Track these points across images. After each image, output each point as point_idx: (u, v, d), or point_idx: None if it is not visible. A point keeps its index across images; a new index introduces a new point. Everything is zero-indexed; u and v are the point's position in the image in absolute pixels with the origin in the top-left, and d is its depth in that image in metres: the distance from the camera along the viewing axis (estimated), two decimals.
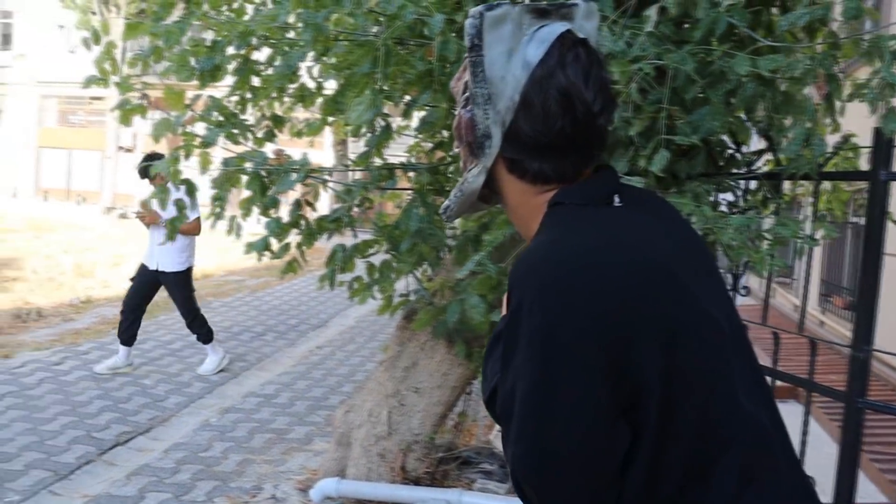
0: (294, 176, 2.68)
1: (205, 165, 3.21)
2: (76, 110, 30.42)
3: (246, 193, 3.18)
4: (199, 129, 3.44)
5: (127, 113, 3.23)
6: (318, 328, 8.35)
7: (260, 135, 3.50)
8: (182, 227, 5.55)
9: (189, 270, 6.17)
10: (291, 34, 2.88)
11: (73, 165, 29.96)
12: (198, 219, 5.87)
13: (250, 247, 3.11)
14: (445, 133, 3.13)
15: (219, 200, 3.03)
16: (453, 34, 2.05)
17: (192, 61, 3.02)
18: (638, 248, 1.03)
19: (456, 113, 1.15)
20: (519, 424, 0.99)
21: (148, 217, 5.92)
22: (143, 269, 6.08)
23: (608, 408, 0.96)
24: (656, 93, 2.30)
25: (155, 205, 5.52)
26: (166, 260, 5.93)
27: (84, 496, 3.82)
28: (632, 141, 2.37)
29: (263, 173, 2.82)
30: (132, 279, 6.21)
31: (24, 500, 3.70)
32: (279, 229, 3.00)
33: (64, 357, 6.13)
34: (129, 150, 28.34)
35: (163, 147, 6.83)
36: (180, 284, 6.10)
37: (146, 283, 6.08)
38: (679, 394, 0.99)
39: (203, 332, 6.18)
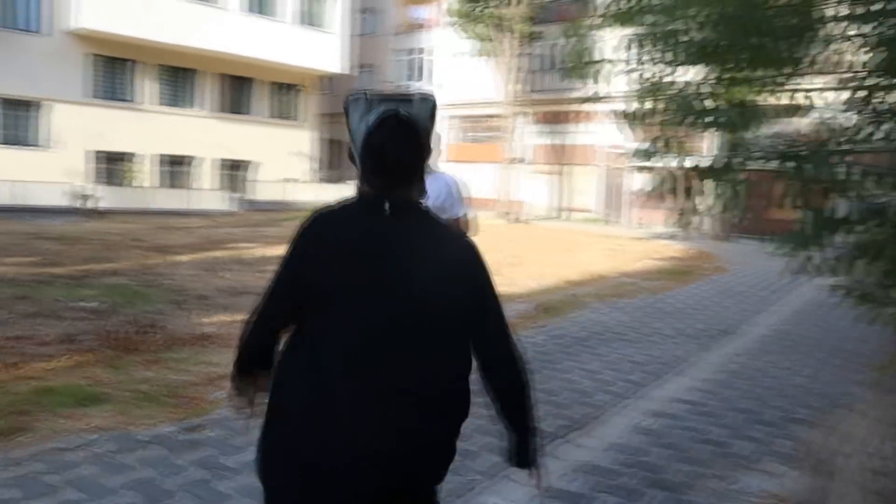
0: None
1: (680, 151, 2.84)
2: (477, 128, 33.01)
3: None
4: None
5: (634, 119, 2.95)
6: (728, 334, 7.61)
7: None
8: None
9: None
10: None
11: (474, 176, 32.59)
12: (467, 216, 4.54)
13: (789, 242, 2.43)
14: None
15: (732, 192, 2.60)
16: None
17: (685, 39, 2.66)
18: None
19: None
20: None
21: None
22: None
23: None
24: None
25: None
26: None
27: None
28: None
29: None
30: None
31: (485, 480, 3.71)
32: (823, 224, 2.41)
33: None
34: (520, 161, 29.88)
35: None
36: None
37: None
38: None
39: None
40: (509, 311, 6.46)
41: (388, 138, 1.73)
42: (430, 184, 4.47)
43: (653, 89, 2.96)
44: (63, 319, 7.64)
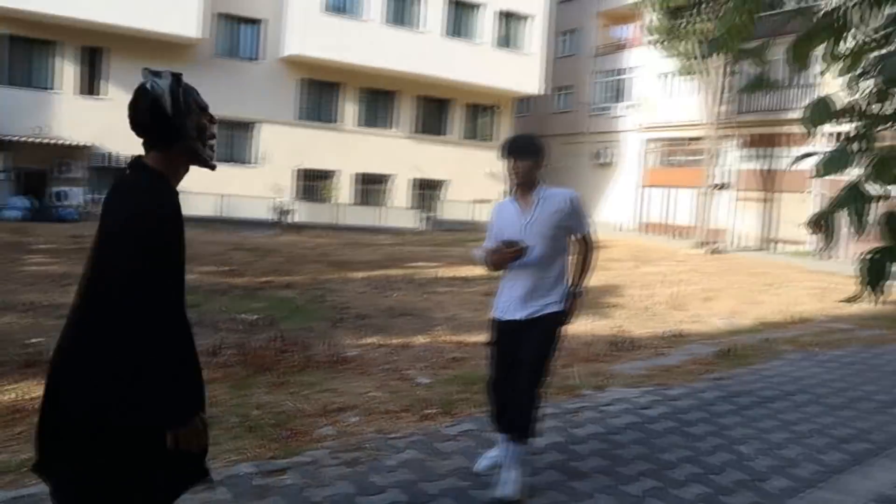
0: None
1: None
2: (677, 151, 31.08)
3: None
4: None
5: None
6: None
7: None
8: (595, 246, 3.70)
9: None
10: None
11: (672, 202, 30.65)
12: (590, 234, 3.76)
13: None
14: None
15: None
16: None
17: None
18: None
19: None
20: None
21: (511, 250, 3.52)
22: (499, 329, 3.72)
23: None
24: None
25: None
26: (545, 299, 3.62)
27: None
28: None
29: None
30: (491, 343, 3.81)
31: None
32: None
33: (653, 400, 5.32)
34: (722, 187, 27.63)
35: None
36: (552, 334, 3.63)
37: (509, 349, 3.66)
38: None
39: (531, 422, 3.60)
40: (684, 354, 5.43)
41: (131, 102, 2.10)
42: (548, 199, 3.61)
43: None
44: (218, 331, 7.66)
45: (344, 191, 26.56)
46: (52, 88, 22.19)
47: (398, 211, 26.68)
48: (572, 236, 3.72)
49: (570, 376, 6.13)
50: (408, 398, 5.30)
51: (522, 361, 3.56)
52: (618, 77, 34.19)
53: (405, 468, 3.79)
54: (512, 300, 3.66)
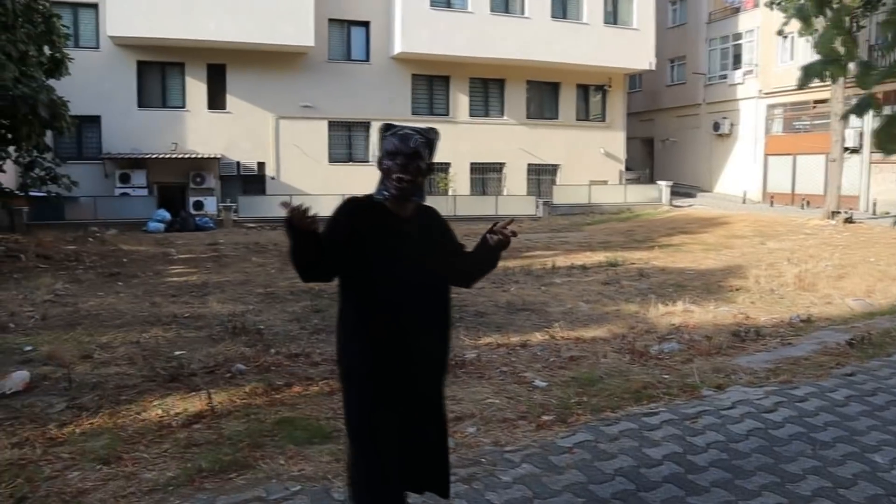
0: None
1: None
2: (801, 116, 29.18)
3: None
4: None
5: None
6: None
7: None
8: None
9: None
10: None
11: (797, 169, 28.86)
12: None
13: None
14: None
15: None
16: None
17: None
18: None
19: None
20: None
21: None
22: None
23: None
24: None
25: None
26: None
27: None
28: None
29: None
30: None
31: None
32: None
33: (777, 402, 5.05)
34: (854, 151, 25.72)
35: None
36: None
37: None
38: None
39: None
40: (813, 343, 5.08)
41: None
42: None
43: None
44: None
45: (460, 182, 26.74)
46: (183, 107, 23.60)
47: (514, 198, 26.58)
48: None
49: (690, 373, 5.93)
50: (525, 403, 5.30)
51: None
52: (733, 42, 32.44)
53: (520, 484, 3.80)
54: None
